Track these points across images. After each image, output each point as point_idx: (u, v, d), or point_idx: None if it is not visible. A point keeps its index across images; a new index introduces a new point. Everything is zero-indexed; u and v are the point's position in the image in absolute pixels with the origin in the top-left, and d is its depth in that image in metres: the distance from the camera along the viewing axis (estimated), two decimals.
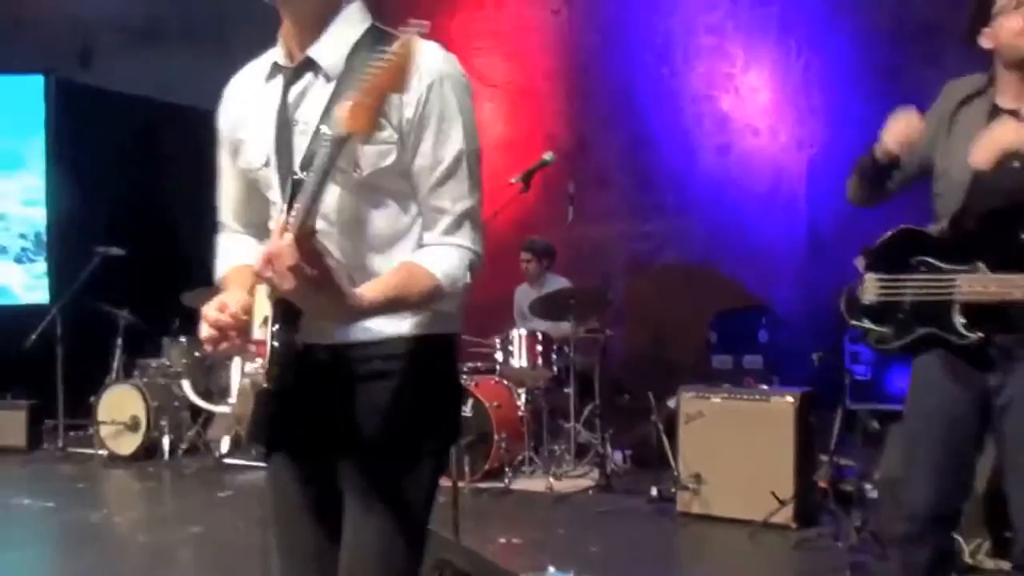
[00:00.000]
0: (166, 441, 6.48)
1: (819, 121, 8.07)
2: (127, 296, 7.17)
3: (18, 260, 8.29)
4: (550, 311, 6.13)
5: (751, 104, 8.29)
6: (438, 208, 1.84)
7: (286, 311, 1.71)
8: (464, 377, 5.93)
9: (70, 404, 7.02)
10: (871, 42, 7.69)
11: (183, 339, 6.66)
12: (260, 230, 2.07)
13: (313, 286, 1.56)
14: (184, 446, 6.53)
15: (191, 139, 9.24)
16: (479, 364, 6.35)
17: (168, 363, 6.66)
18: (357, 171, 1.78)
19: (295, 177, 1.72)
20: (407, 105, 1.79)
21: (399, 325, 1.85)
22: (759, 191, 8.27)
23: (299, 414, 1.84)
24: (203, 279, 6.67)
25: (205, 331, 1.74)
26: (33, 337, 6.75)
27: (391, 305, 1.73)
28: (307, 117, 1.84)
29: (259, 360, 1.73)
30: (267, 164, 1.92)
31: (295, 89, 1.89)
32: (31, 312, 8.17)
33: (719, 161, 8.34)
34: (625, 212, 8.63)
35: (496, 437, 5.64)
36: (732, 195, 8.26)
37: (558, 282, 6.71)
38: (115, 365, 6.89)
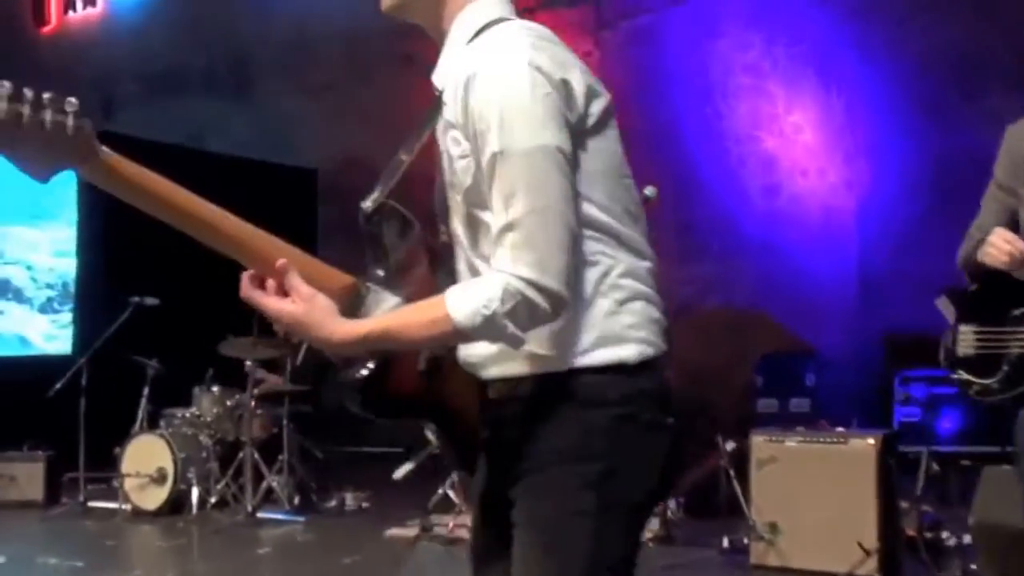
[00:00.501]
0: (194, 494, 6.14)
1: (864, 160, 7.82)
2: (155, 346, 6.89)
3: (42, 310, 8.05)
4: None
5: (796, 144, 8.05)
6: (487, 225, 1.61)
7: None
8: None
9: (91, 455, 6.70)
10: (911, 77, 7.46)
11: (215, 389, 6.36)
12: None
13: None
14: (213, 499, 6.19)
15: (224, 187, 9.06)
16: None
17: (198, 412, 6.34)
18: (457, 194, 1.64)
19: (363, 205, 1.77)
20: (459, 113, 1.58)
21: (513, 363, 1.63)
22: (809, 233, 7.99)
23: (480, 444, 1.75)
24: (238, 329, 6.45)
25: None
26: (58, 387, 6.44)
27: (382, 340, 1.57)
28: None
29: None
30: None
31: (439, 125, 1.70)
32: (52, 362, 7.93)
33: (767, 203, 8.08)
34: (669, 256, 8.27)
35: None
36: (781, 238, 7.98)
37: None
38: (140, 415, 6.58)
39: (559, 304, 1.52)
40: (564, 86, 1.57)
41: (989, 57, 7.13)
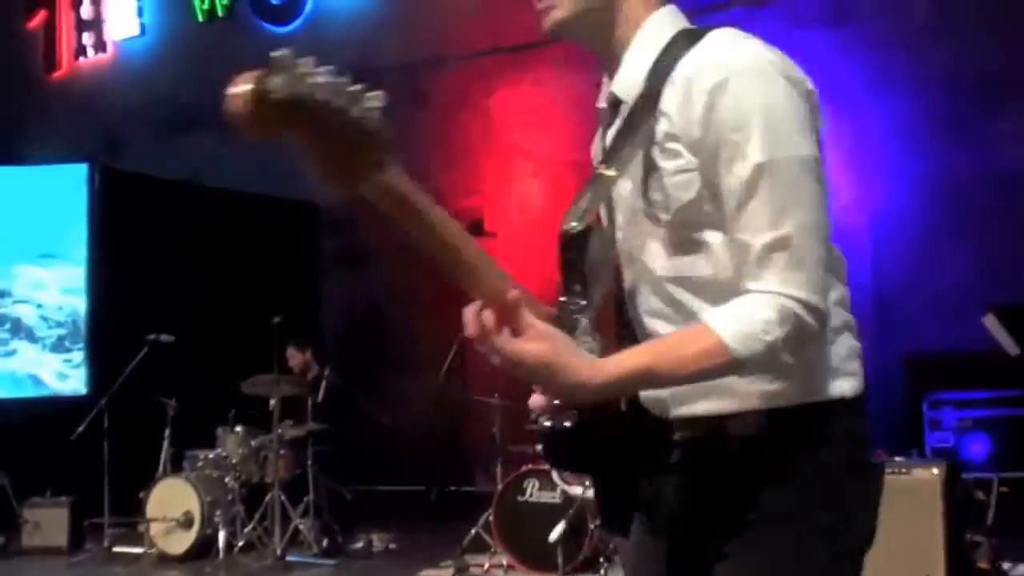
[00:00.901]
0: (221, 538, 5.76)
1: (878, 178, 7.61)
2: (172, 385, 6.53)
3: (54, 350, 7.65)
4: None
5: None
6: (741, 244, 1.38)
7: None
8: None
9: (113, 499, 6.30)
10: (922, 95, 7.28)
11: (239, 429, 5.99)
12: None
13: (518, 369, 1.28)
14: (240, 543, 5.81)
15: (228, 221, 8.81)
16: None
17: (224, 454, 5.96)
18: (663, 214, 1.41)
19: (564, 228, 1.46)
20: (693, 123, 1.37)
21: (723, 398, 1.41)
22: None
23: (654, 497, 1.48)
24: (258, 367, 6.10)
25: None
26: (80, 430, 6.05)
27: (644, 380, 1.34)
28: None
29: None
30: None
31: (610, 134, 1.55)
32: (67, 403, 7.52)
33: None
34: None
35: (591, 525, 4.95)
36: None
37: None
38: (163, 458, 6.20)
39: (825, 326, 1.34)
40: (812, 95, 1.41)
41: (1002, 75, 6.97)
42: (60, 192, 7.90)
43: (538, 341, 1.28)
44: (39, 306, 7.77)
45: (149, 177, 8.33)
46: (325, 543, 5.83)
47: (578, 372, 1.27)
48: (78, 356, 7.67)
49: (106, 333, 7.61)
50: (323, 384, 6.21)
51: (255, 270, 8.48)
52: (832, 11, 7.84)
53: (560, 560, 4.86)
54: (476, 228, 8.91)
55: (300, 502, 5.88)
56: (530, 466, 5.32)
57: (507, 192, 8.74)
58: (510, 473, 5.51)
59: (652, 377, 1.31)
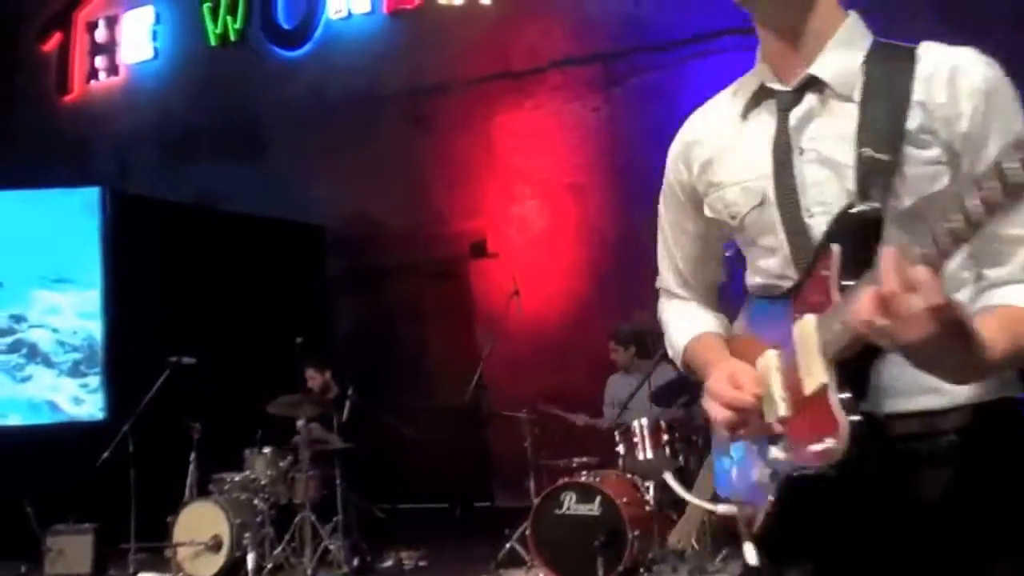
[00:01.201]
0: (250, 560, 5.64)
1: None
2: (194, 408, 6.40)
3: (71, 374, 7.49)
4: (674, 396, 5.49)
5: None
6: (1010, 238, 1.37)
7: (854, 375, 1.28)
8: (584, 474, 5.25)
9: (138, 525, 6.15)
10: None
11: (267, 450, 5.87)
12: (708, 293, 1.75)
13: (947, 333, 1.13)
14: (269, 565, 5.69)
15: (235, 244, 8.69)
16: (585, 458, 5.69)
17: (252, 476, 5.84)
18: (896, 200, 1.36)
19: (853, 210, 1.33)
20: (961, 117, 1.39)
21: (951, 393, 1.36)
22: None
23: (839, 514, 1.39)
24: (276, 387, 5.99)
25: (721, 413, 1.42)
26: (106, 455, 5.90)
27: (1016, 359, 1.30)
28: (819, 143, 1.46)
29: (784, 442, 1.37)
30: (761, 203, 1.51)
31: (795, 113, 1.49)
32: (84, 428, 7.37)
33: None
34: None
35: (630, 536, 4.90)
36: None
37: (662, 368, 6.04)
38: (189, 481, 6.07)
39: None
40: None
41: None
42: (73, 216, 7.77)
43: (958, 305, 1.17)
44: (54, 331, 7.64)
45: (159, 200, 8.21)
46: (355, 562, 5.74)
47: (983, 344, 1.19)
48: (94, 381, 7.54)
49: (122, 357, 7.50)
50: (347, 404, 6.12)
51: (266, 292, 8.40)
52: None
53: (600, 571, 4.81)
54: (478, 249, 8.91)
55: (328, 522, 5.79)
56: (566, 479, 5.27)
57: (508, 214, 8.72)
58: (542, 487, 5.48)
59: (1019, 359, 1.30)
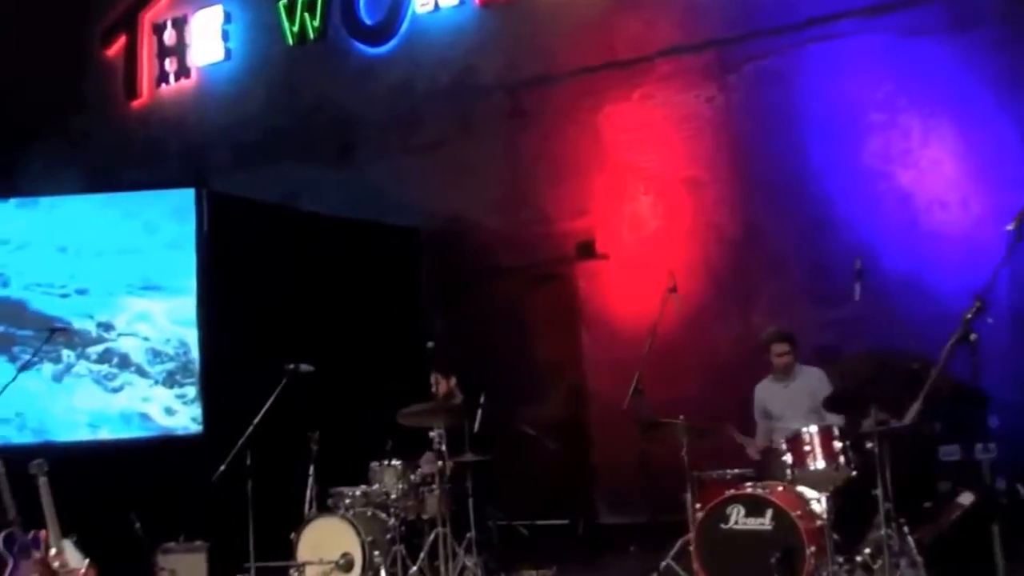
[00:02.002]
0: None
1: (1013, 187, 7.22)
2: (307, 418, 6.12)
3: (166, 384, 7.24)
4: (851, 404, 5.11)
5: (935, 177, 7.43)
6: None
7: None
8: (751, 486, 4.88)
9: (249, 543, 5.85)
10: None
11: (397, 463, 5.55)
12: None
13: None
14: None
15: (325, 246, 8.43)
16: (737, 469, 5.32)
17: (383, 489, 5.52)
18: None
19: None
20: None
21: None
22: (951, 267, 7.33)
23: None
24: (392, 395, 5.66)
25: None
26: (222, 468, 5.62)
27: None
28: None
29: None
30: None
31: None
32: (182, 441, 7.11)
33: (905, 240, 7.42)
34: (804, 301, 7.65)
35: (807, 551, 4.53)
36: (922, 274, 7.32)
37: (810, 373, 5.66)
38: (308, 496, 5.76)
39: None
40: None
41: None
42: (162, 219, 7.51)
43: None
44: (145, 339, 7.37)
45: (255, 201, 7.95)
46: None
47: None
48: (191, 391, 7.24)
49: (220, 366, 7.20)
50: (479, 413, 5.80)
51: (360, 298, 8.11)
52: (951, 18, 7.49)
53: None
54: (586, 249, 8.56)
55: (459, 539, 5.46)
56: (733, 491, 4.90)
57: (618, 211, 8.36)
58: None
59: None
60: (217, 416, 7.10)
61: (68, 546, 5.43)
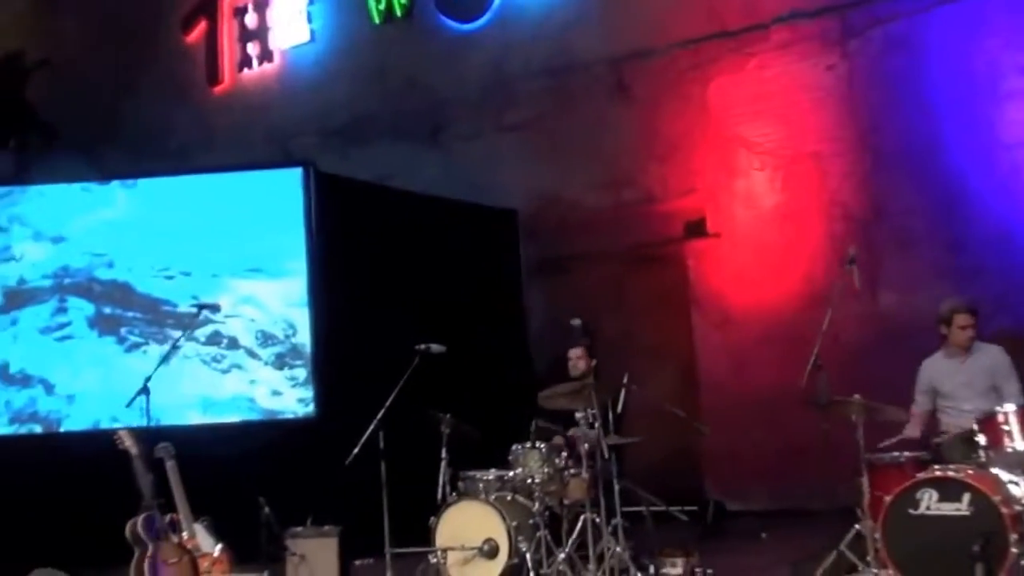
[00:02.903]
0: (529, 566, 5.02)
1: None
2: (433, 400, 5.84)
3: (276, 367, 7.03)
4: None
5: None
6: None
7: None
8: (940, 468, 4.52)
9: (374, 528, 5.60)
10: None
11: (541, 446, 5.24)
12: None
13: None
14: (550, 572, 5.06)
15: (442, 231, 8.19)
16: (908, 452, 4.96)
17: (530, 473, 5.21)
18: None
19: None
20: None
21: None
22: None
23: None
24: (509, 381, 5.31)
25: None
26: (356, 451, 5.36)
27: None
28: None
29: None
30: None
31: None
32: (295, 424, 6.89)
33: None
34: (936, 279, 7.25)
35: (1011, 539, 4.17)
36: None
37: (989, 350, 5.28)
38: (442, 480, 5.48)
39: None
40: None
41: None
42: (268, 199, 7.30)
43: None
44: (252, 320, 7.16)
45: (359, 182, 7.72)
46: (651, 570, 5.09)
47: None
48: (301, 373, 7.02)
49: (332, 349, 6.98)
50: (622, 394, 5.49)
51: (462, 279, 7.86)
52: None
53: None
54: (696, 228, 8.22)
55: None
56: (923, 474, 4.55)
57: (730, 189, 8.02)
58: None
59: None
60: (330, 399, 6.88)
61: (200, 530, 5.24)
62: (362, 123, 9.57)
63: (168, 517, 5.04)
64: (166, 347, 7.12)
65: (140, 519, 4.99)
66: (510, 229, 8.59)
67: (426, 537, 5.44)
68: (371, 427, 5.40)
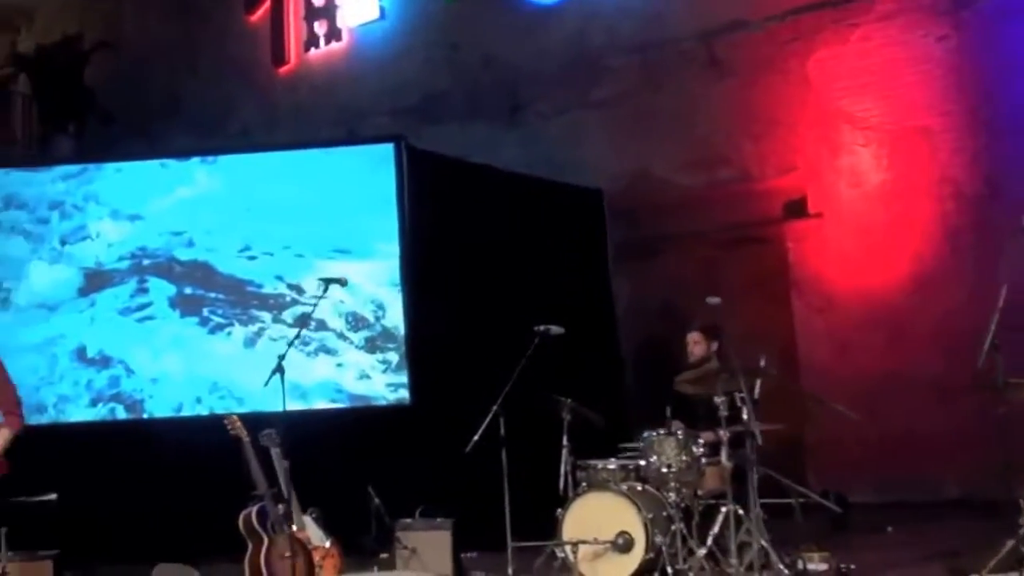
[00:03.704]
0: (666, 561, 4.64)
1: None
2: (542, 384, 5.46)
3: (368, 351, 6.67)
4: None
5: None
6: None
7: None
8: None
9: (491, 520, 5.24)
10: None
11: (679, 433, 4.84)
12: None
13: None
14: (688, 567, 4.67)
15: (527, 210, 7.81)
16: None
17: (666, 461, 4.81)
18: None
19: None
20: None
21: None
22: None
23: None
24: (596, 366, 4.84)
25: None
26: (476, 439, 4.98)
27: None
28: None
29: None
30: None
31: None
32: (389, 411, 6.54)
33: None
34: None
35: None
36: None
37: None
38: (564, 469, 5.10)
39: None
40: None
41: None
42: (350, 177, 6.94)
43: None
44: (340, 303, 6.80)
45: (450, 159, 7.34)
46: (799, 566, 4.70)
47: None
48: (393, 357, 6.66)
49: (426, 332, 6.62)
50: (758, 380, 5.08)
51: (548, 261, 7.47)
52: None
53: None
54: (796, 208, 7.79)
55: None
56: None
57: (833, 166, 7.59)
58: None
59: None
60: (425, 384, 6.51)
61: (309, 522, 4.89)
62: (435, 102, 9.20)
63: (282, 509, 4.70)
64: (253, 328, 6.84)
65: (254, 510, 4.65)
66: (596, 209, 8.18)
67: (540, 529, 5.09)
68: (491, 412, 5.03)
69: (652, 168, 8.24)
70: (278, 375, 4.49)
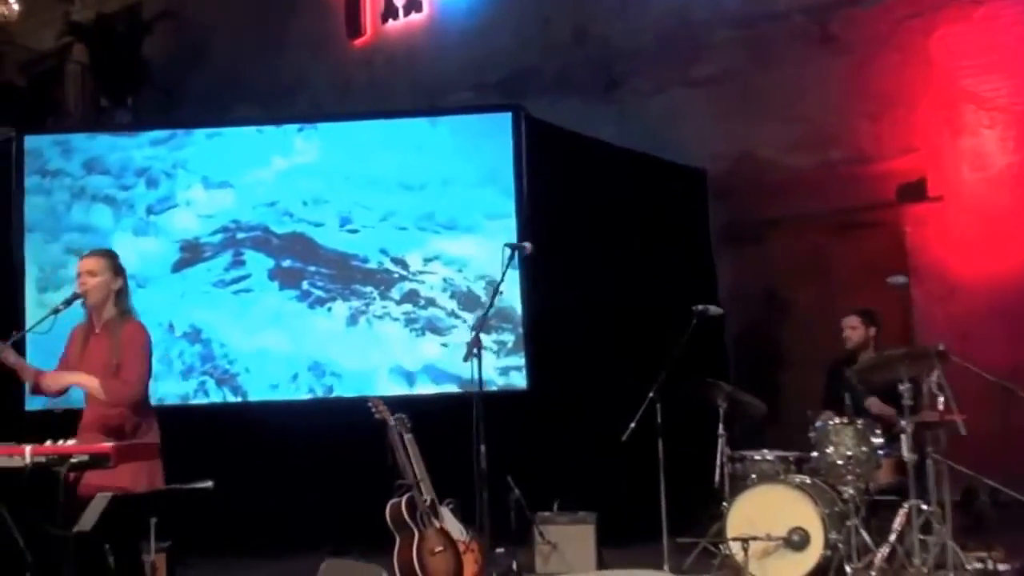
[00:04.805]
0: (845, 560, 4.26)
1: None
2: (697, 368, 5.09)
3: (483, 331, 6.24)
4: None
5: None
6: None
7: None
8: None
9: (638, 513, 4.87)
10: None
11: (860, 423, 4.45)
12: None
13: None
14: (867, 566, 4.29)
15: (633, 187, 7.42)
16: None
17: (846, 453, 4.43)
18: None
19: None
20: None
21: None
22: None
23: None
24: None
25: None
26: (632, 426, 4.60)
27: None
28: None
29: None
30: None
31: None
32: (504, 396, 6.14)
33: None
34: None
35: None
36: None
37: None
38: (720, 460, 4.72)
39: None
40: None
41: None
42: (460, 147, 6.55)
43: None
44: (449, 281, 6.42)
45: (565, 130, 6.92)
46: (990, 563, 4.32)
47: None
48: (508, 339, 6.27)
49: (544, 314, 6.22)
50: (936, 367, 4.68)
51: (651, 242, 7.08)
52: None
53: None
54: (915, 191, 7.37)
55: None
56: None
57: (955, 148, 7.16)
58: None
59: None
60: (543, 368, 6.12)
61: (446, 513, 4.51)
62: (524, 78, 8.78)
63: (428, 501, 4.32)
64: (357, 304, 6.45)
65: (403, 500, 4.27)
66: (700, 190, 7.77)
67: (691, 524, 4.72)
68: (648, 399, 4.64)
69: (758, 149, 7.82)
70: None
